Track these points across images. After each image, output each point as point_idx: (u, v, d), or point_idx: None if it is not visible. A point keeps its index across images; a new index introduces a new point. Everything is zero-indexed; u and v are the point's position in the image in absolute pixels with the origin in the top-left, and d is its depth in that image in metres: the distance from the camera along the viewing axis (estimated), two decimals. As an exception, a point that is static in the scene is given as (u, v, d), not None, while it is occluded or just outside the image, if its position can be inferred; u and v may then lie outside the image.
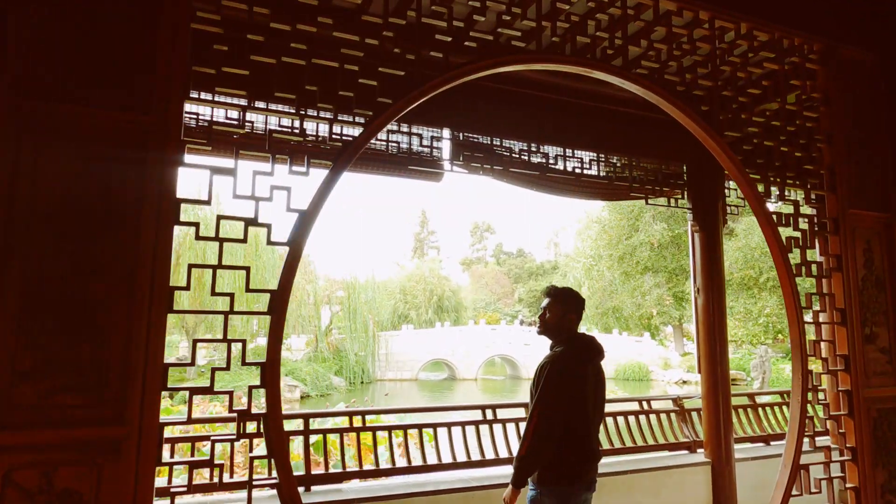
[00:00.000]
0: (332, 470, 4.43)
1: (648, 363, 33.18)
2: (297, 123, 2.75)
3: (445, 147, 4.83)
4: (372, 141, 4.69)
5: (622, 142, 5.45)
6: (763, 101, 3.82)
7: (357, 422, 4.74)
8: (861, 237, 3.85)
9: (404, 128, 4.65)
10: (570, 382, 2.78)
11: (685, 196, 5.78)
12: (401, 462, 4.66)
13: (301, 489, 4.30)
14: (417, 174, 4.80)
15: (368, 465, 4.62)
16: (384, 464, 4.74)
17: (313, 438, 4.57)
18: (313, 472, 4.35)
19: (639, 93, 3.33)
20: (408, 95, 2.70)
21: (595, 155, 5.37)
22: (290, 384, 23.57)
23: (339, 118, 2.69)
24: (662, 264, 28.92)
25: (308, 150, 2.57)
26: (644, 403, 5.95)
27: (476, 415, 5.15)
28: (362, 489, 4.42)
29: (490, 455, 4.98)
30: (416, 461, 4.77)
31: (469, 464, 4.84)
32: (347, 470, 4.49)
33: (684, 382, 30.99)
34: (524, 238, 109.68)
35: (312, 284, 28.98)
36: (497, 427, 5.14)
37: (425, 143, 4.72)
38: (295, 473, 4.32)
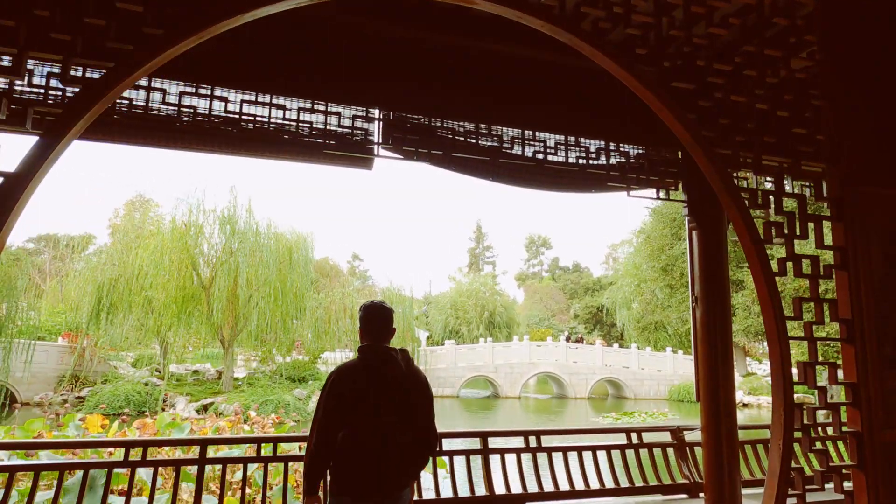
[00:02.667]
0: (225, 508, 3.74)
1: (705, 384, 30.93)
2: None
3: (375, 129, 4.13)
4: (280, 120, 4.07)
5: (596, 122, 4.59)
6: (733, 46, 2.90)
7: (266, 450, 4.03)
8: (878, 224, 2.85)
9: (319, 105, 3.99)
10: (342, 394, 2.70)
11: (679, 188, 4.82)
12: None
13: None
14: (338, 160, 4.11)
15: None
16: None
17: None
18: (201, 511, 3.67)
19: (543, 30, 2.51)
20: (191, 25, 2.01)
21: (562, 137, 4.53)
22: (322, 399, 23.17)
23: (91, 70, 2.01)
24: (708, 276, 26.62)
25: (31, 101, 1.90)
26: (634, 436, 4.95)
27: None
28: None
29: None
30: None
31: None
32: (245, 509, 3.78)
33: (745, 405, 28.74)
34: (581, 252, 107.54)
35: (351, 298, 28.67)
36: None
37: (345, 122, 4.04)
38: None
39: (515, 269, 77.16)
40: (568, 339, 37.69)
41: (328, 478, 2.75)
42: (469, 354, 33.75)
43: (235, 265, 22.71)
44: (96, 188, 72.80)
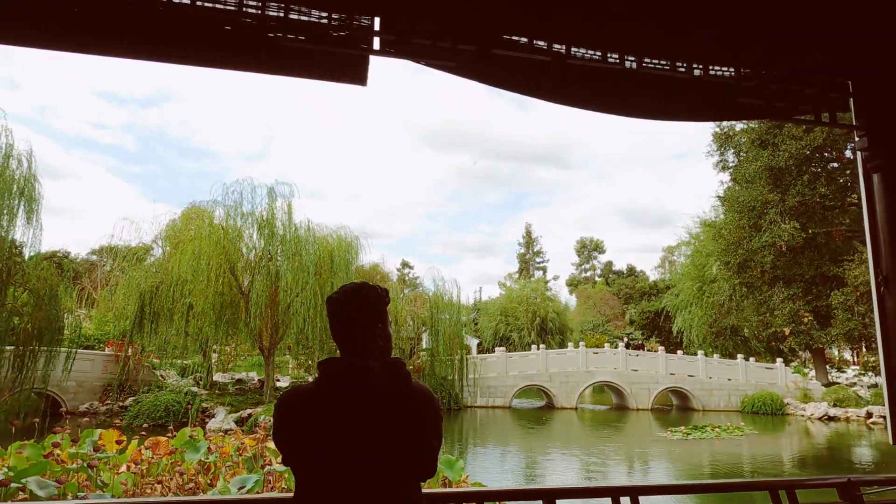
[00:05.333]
0: None
1: (783, 394, 28.12)
2: None
3: (371, 19, 2.62)
4: (220, 4, 2.63)
5: (720, 18, 2.95)
6: None
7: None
8: None
9: (280, -23, 2.52)
10: (294, 423, 1.85)
11: (850, 107, 3.11)
12: None
13: None
14: (313, 68, 2.61)
15: None
16: None
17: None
18: None
19: None
20: None
21: (663, 34, 2.89)
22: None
23: None
24: (796, 272, 23.16)
25: None
26: (784, 495, 3.22)
27: None
28: None
29: None
30: None
31: None
32: None
33: (830, 419, 25.80)
34: (635, 256, 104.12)
35: (394, 303, 27.37)
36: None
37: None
38: None
39: (566, 275, 74.93)
40: (627, 346, 35.26)
41: None
42: (521, 362, 31.88)
43: (274, 270, 21.74)
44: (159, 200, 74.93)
